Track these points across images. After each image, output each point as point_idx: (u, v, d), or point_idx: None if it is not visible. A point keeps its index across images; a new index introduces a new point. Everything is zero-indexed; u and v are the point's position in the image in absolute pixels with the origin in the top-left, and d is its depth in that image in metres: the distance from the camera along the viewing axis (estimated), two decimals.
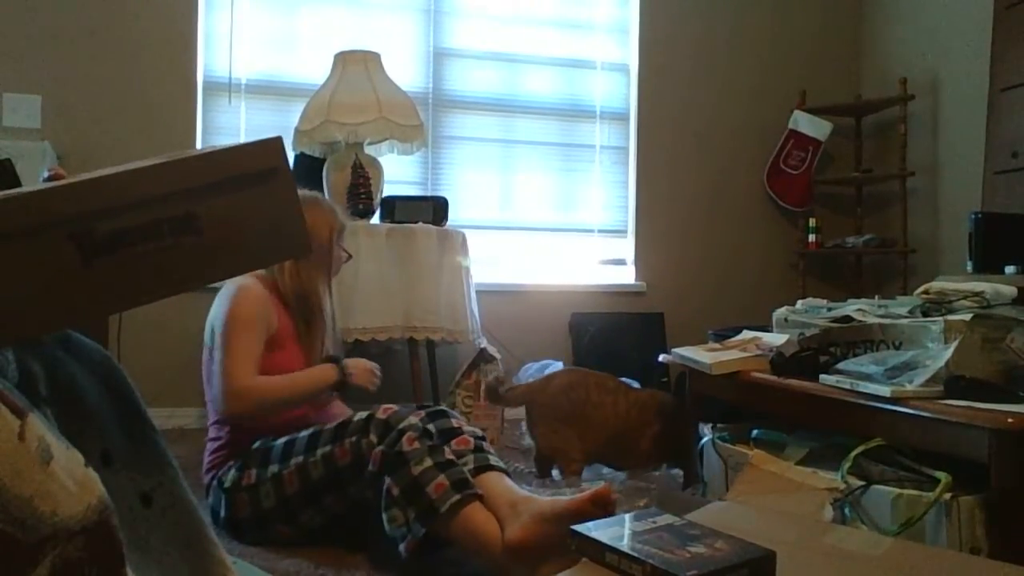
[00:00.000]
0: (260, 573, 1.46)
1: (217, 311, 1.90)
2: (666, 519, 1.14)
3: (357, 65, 2.93)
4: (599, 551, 1.05)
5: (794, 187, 4.13)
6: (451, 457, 1.59)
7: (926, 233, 3.90)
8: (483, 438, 1.74)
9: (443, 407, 1.83)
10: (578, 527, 1.10)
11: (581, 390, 2.24)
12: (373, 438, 1.64)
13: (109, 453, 1.03)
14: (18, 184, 1.22)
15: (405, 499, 1.53)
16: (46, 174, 1.24)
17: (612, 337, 3.88)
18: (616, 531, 1.09)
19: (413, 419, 1.65)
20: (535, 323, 3.81)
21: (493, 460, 1.67)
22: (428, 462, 1.56)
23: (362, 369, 1.98)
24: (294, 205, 0.97)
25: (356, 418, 1.70)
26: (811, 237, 4.07)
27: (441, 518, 1.49)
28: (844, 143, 4.21)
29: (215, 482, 1.85)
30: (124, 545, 0.87)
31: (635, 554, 1.00)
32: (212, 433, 1.93)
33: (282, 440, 1.78)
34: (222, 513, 1.80)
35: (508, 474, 1.66)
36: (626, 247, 4.05)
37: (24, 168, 1.68)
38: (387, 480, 1.56)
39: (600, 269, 4.02)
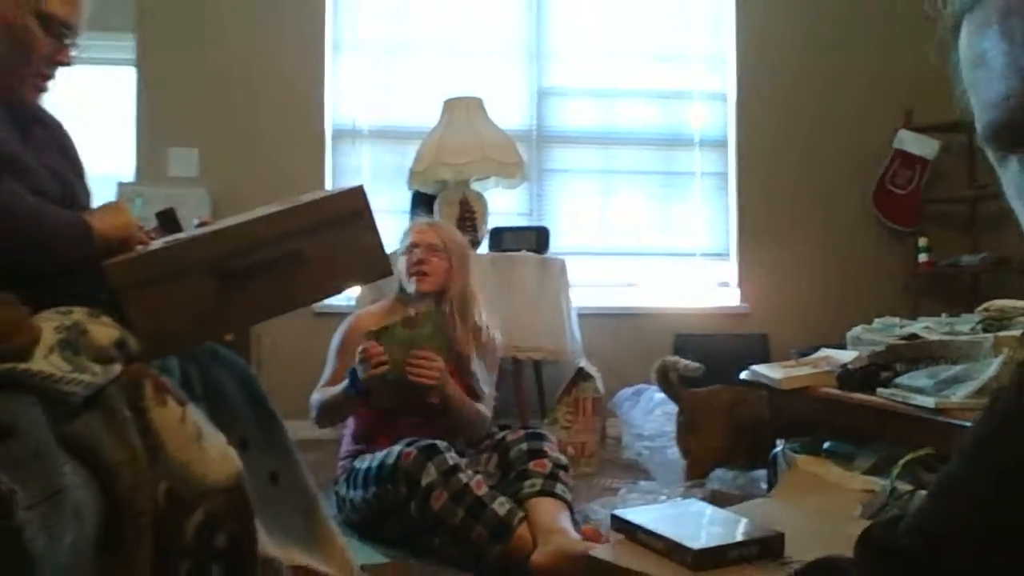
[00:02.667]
0: (365, 546, 1.73)
1: None
2: (698, 507, 1.31)
3: (462, 110, 3.24)
4: (632, 530, 1.24)
5: (902, 207, 4.09)
6: (479, 494, 1.76)
7: None
8: (564, 467, 1.92)
9: (542, 431, 2.05)
10: (618, 511, 1.30)
11: (744, 407, 2.48)
12: (402, 489, 1.82)
13: (246, 440, 1.33)
14: (180, 228, 1.56)
15: (457, 545, 1.76)
16: (196, 222, 1.57)
17: (716, 358, 3.95)
18: (650, 514, 1.28)
19: (431, 468, 1.78)
20: (640, 345, 3.94)
21: (559, 490, 1.84)
22: (460, 513, 1.74)
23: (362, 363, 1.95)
24: (376, 238, 1.24)
25: (388, 459, 1.87)
26: (922, 257, 4.01)
27: (490, 560, 1.72)
28: (957, 160, 4.13)
29: (336, 483, 2.14)
30: (255, 506, 1.14)
31: (659, 531, 1.19)
32: (343, 444, 2.23)
33: (362, 467, 1.99)
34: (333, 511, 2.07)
35: (568, 504, 1.84)
36: (729, 270, 4.15)
37: (185, 213, 2.06)
38: (435, 535, 1.79)
39: (704, 291, 4.12)
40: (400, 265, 2.23)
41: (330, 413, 2.14)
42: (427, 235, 2.24)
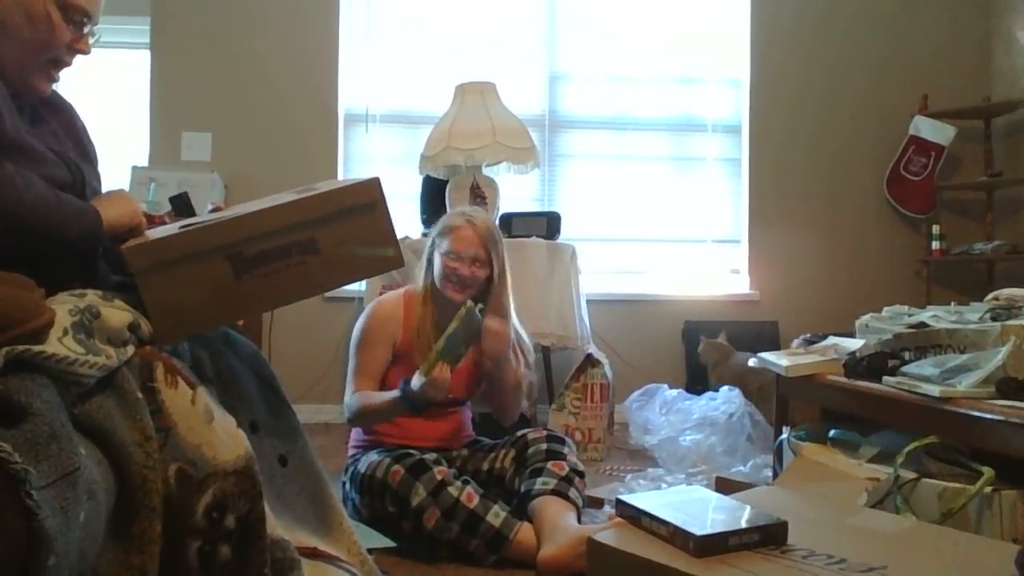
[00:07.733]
0: (372, 531, 1.76)
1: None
2: (702, 493, 1.32)
3: (475, 95, 3.24)
4: (636, 515, 1.26)
5: (916, 193, 4.06)
6: (471, 507, 1.76)
7: None
8: (581, 474, 1.93)
9: (564, 436, 2.05)
10: (622, 496, 1.31)
11: None
12: (391, 508, 1.82)
13: (256, 423, 1.35)
14: (193, 213, 1.58)
15: (453, 556, 1.77)
16: (210, 207, 1.59)
17: None
18: (654, 500, 1.29)
19: (420, 488, 1.79)
20: (649, 331, 3.96)
21: (571, 494, 1.85)
22: (455, 529, 1.75)
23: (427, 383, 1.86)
24: (389, 229, 1.26)
25: (378, 473, 1.87)
26: (935, 244, 3.98)
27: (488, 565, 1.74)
28: (972, 146, 4.09)
29: (347, 468, 2.12)
30: (264, 488, 1.16)
31: (662, 517, 1.20)
32: (352, 431, 2.20)
33: (359, 471, 1.96)
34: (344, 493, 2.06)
35: (578, 509, 1.84)
36: (740, 256, 4.14)
37: (198, 197, 2.05)
38: (431, 550, 1.79)
39: (714, 278, 4.12)
40: (436, 261, 2.10)
41: (371, 419, 2.04)
42: (472, 244, 2.06)
